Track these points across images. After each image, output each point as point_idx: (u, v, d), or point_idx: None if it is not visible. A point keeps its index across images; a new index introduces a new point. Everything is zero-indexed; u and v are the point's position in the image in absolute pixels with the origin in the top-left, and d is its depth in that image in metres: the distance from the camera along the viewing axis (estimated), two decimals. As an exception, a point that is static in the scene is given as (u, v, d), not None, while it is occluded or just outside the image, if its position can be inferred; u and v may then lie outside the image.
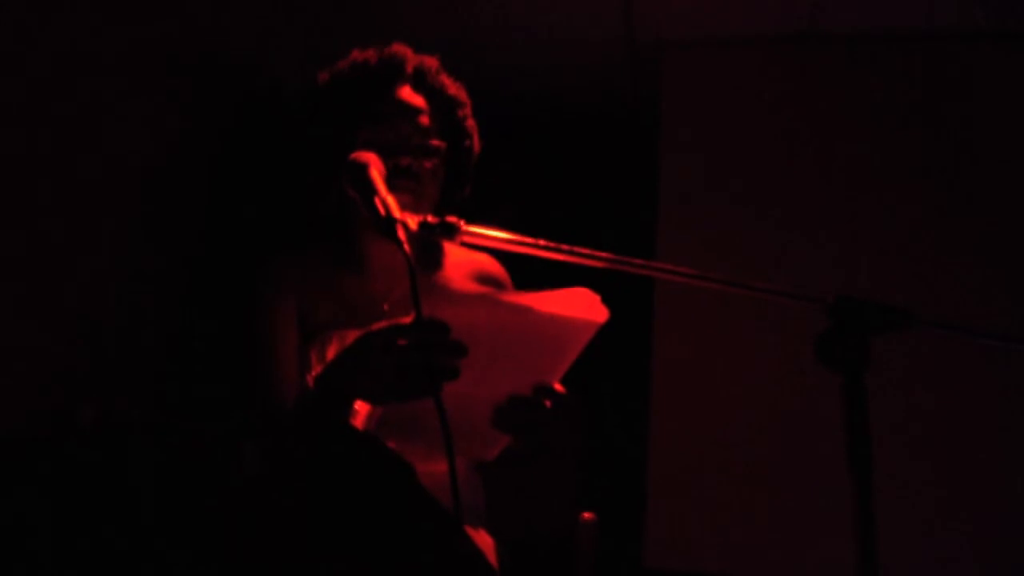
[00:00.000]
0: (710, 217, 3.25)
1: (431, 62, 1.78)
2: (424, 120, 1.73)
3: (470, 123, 1.82)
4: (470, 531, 1.54)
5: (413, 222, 1.34)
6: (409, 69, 1.76)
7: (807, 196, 3.25)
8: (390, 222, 1.32)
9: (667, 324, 3.19)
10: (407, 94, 1.74)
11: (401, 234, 1.30)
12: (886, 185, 3.23)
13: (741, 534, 3.03)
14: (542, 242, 1.37)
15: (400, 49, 1.79)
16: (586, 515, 1.85)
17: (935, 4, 3.20)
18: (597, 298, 1.42)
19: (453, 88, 1.79)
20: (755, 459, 3.03)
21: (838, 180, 3.26)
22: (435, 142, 1.72)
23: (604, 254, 1.37)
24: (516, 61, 3.38)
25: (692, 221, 3.27)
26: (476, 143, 1.83)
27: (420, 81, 1.76)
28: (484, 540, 1.59)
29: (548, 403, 1.44)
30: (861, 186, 3.24)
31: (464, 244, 1.37)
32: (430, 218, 1.35)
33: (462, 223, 1.35)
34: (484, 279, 1.81)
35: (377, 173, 1.43)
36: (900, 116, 3.27)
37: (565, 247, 1.37)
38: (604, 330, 1.52)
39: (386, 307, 1.72)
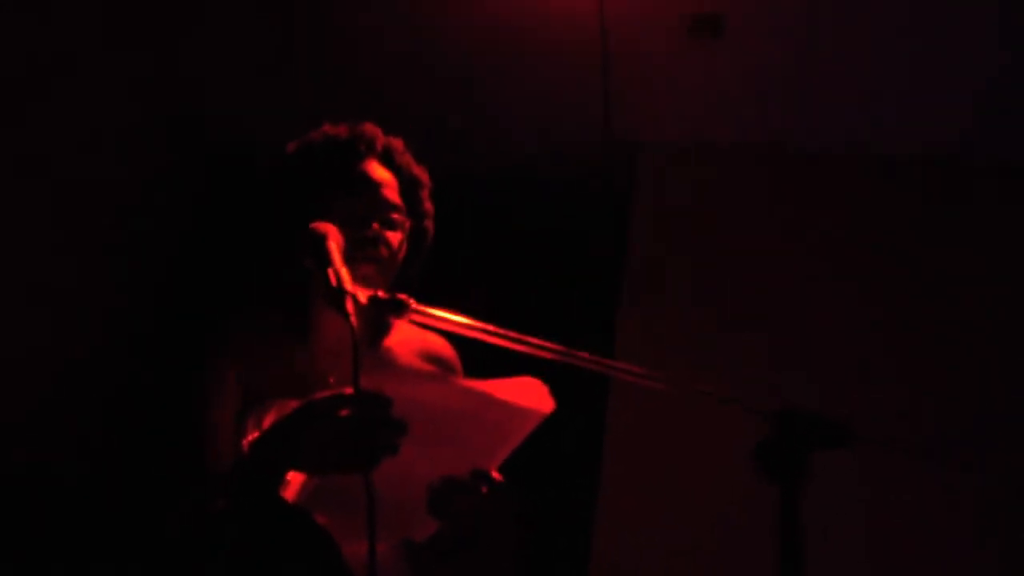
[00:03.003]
0: (671, 316, 3.28)
1: (397, 142, 1.82)
2: (392, 194, 1.75)
3: (429, 205, 1.85)
4: (393, 617, 1.50)
5: (363, 296, 1.34)
6: (378, 146, 1.80)
7: (769, 303, 3.29)
8: (340, 293, 1.31)
9: (621, 421, 3.19)
10: (375, 167, 1.77)
11: (350, 307, 1.30)
12: (848, 303, 3.28)
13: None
14: (492, 327, 1.37)
15: (370, 127, 1.83)
16: (519, 610, 1.82)
17: (903, 131, 3.31)
18: (545, 389, 1.42)
19: (416, 169, 1.83)
20: (702, 562, 2.99)
21: (801, 291, 3.30)
22: (401, 216, 1.74)
23: (553, 345, 1.37)
24: (491, 152, 3.44)
25: (653, 319, 3.29)
26: (432, 226, 1.85)
27: (388, 158, 1.80)
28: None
29: (484, 489, 1.42)
30: (823, 301, 3.29)
31: (413, 323, 1.37)
32: (381, 293, 1.35)
33: (412, 301, 1.35)
34: (433, 360, 1.80)
35: (335, 245, 1.44)
36: (864, 236, 3.34)
37: (514, 335, 1.37)
38: (558, 427, 1.51)
39: (332, 380, 1.70)
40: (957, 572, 2.94)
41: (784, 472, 1.32)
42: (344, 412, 1.31)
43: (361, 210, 1.69)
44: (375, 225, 1.68)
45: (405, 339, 1.80)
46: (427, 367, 1.76)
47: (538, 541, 3.20)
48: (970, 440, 2.95)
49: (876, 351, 3.21)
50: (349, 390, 1.31)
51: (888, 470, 2.86)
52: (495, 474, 1.44)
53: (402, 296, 1.35)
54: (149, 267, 3.11)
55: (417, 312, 1.35)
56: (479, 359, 1.67)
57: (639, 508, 3.11)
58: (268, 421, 1.57)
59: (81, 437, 2.66)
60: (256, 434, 1.46)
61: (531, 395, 1.41)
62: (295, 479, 1.39)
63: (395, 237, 1.72)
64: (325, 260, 1.38)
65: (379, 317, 1.43)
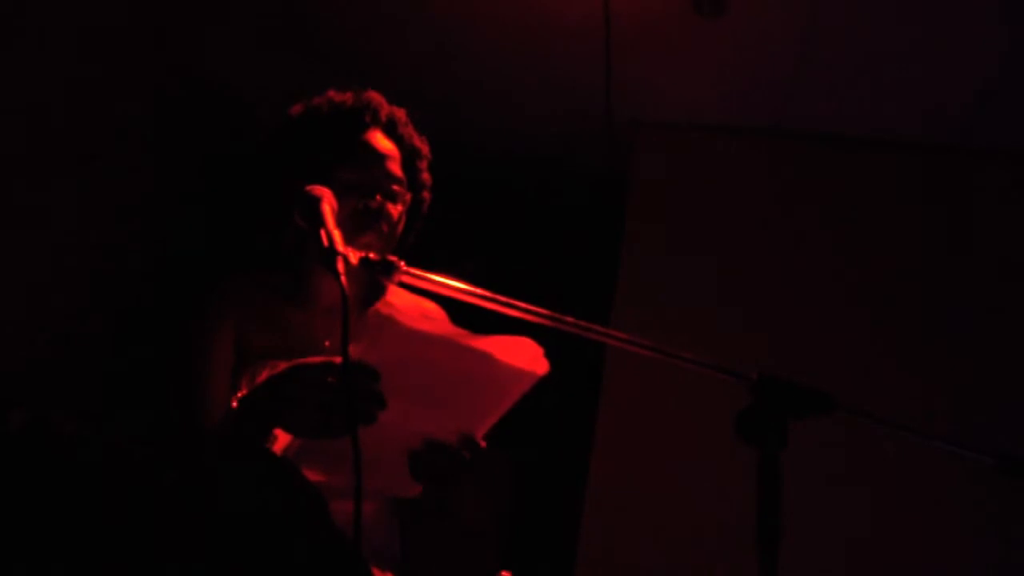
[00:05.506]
0: (667, 291, 3.31)
1: (400, 112, 1.83)
2: (394, 166, 1.77)
3: (427, 176, 1.86)
4: (379, 574, 1.53)
5: (354, 257, 1.36)
6: (383, 116, 1.81)
7: (765, 281, 3.31)
8: (331, 254, 1.33)
9: (616, 390, 3.21)
10: (379, 138, 1.79)
11: (340, 267, 1.31)
12: (845, 281, 3.29)
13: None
14: (480, 291, 1.38)
15: (375, 96, 1.84)
16: (504, 573, 1.84)
17: (905, 114, 3.32)
18: (540, 351, 1.44)
19: (417, 140, 1.84)
20: (693, 531, 3.02)
21: (797, 270, 3.32)
22: (402, 188, 1.76)
23: (543, 310, 1.39)
24: (494, 125, 3.45)
25: (649, 294, 3.32)
26: (429, 197, 1.87)
27: (391, 128, 1.81)
28: (392, 584, 1.59)
29: (467, 454, 1.45)
30: (819, 279, 3.31)
31: (402, 284, 1.38)
32: (371, 255, 1.37)
33: (402, 263, 1.36)
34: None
35: (329, 207, 1.45)
36: (862, 217, 3.36)
37: (503, 298, 1.38)
38: (552, 392, 1.53)
39: (327, 344, 1.72)
40: (944, 542, 2.99)
41: (763, 439, 1.34)
42: (331, 379, 1.33)
43: (365, 181, 1.71)
44: (378, 197, 1.70)
45: (401, 305, 1.82)
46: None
47: (528, 505, 3.23)
48: (962, 423, 2.98)
49: (872, 328, 3.23)
50: (339, 359, 1.32)
51: (872, 441, 2.90)
52: (480, 440, 1.47)
53: (392, 258, 1.36)
54: (150, 229, 3.13)
55: (407, 274, 1.36)
56: (472, 326, 1.69)
57: (632, 471, 3.14)
58: (261, 380, 1.60)
59: (80, 394, 2.69)
60: (245, 391, 1.48)
61: (527, 356, 1.43)
62: (282, 435, 1.41)
63: (396, 209, 1.74)
64: (318, 221, 1.40)
65: (372, 280, 1.44)
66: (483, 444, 1.48)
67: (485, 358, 1.40)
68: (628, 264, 3.38)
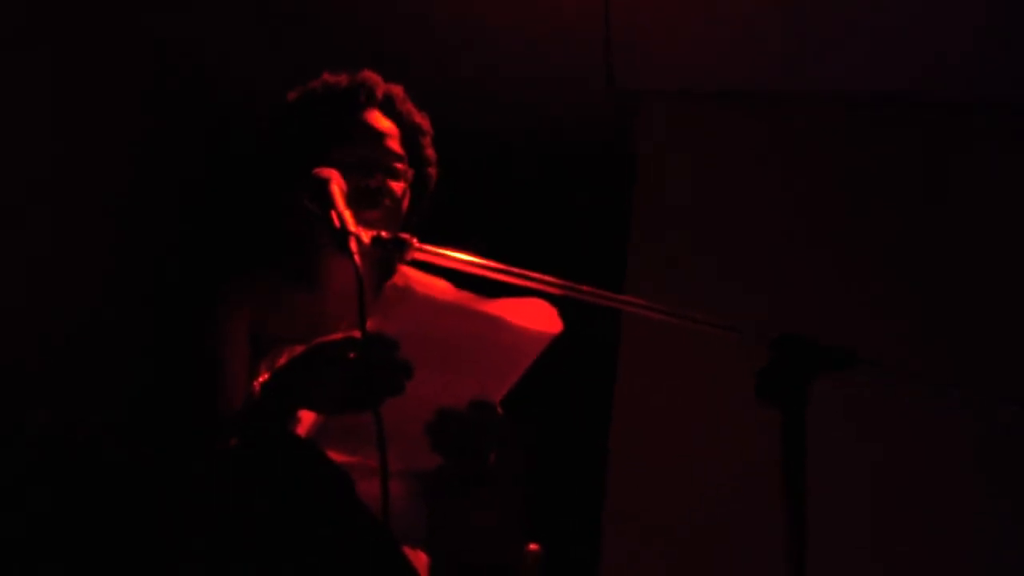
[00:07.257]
0: (679, 259, 3.30)
1: (398, 89, 1.83)
2: (394, 144, 1.78)
3: (431, 152, 1.87)
4: (408, 551, 1.54)
5: (366, 236, 1.36)
6: (379, 94, 1.81)
7: (771, 245, 3.30)
8: (344, 234, 1.34)
9: (633, 357, 3.21)
10: (377, 117, 1.79)
11: (353, 246, 1.32)
12: (849, 242, 3.28)
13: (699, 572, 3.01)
14: (494, 263, 1.39)
15: (370, 75, 1.84)
16: (532, 546, 1.85)
17: (910, 72, 3.29)
18: (554, 311, 1.45)
19: (418, 116, 1.85)
20: (717, 495, 3.02)
21: (804, 234, 3.31)
22: (403, 166, 1.76)
23: (554, 279, 1.39)
24: (494, 99, 3.44)
25: (661, 262, 3.31)
26: (435, 173, 1.87)
27: (389, 106, 1.82)
28: (420, 560, 1.59)
29: (485, 423, 1.45)
30: (824, 239, 3.30)
31: (415, 262, 1.39)
32: (383, 233, 1.37)
33: (414, 240, 1.37)
34: None
35: (337, 188, 1.46)
36: (866, 178, 3.34)
37: (516, 270, 1.39)
38: (568, 358, 1.53)
39: (344, 325, 1.73)
40: (959, 498, 2.98)
41: (784, 398, 1.35)
42: (351, 355, 1.34)
43: (364, 160, 1.71)
44: (378, 175, 1.70)
45: (415, 277, 1.83)
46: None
47: (550, 473, 3.23)
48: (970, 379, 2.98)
49: (878, 287, 3.22)
50: (357, 333, 1.33)
51: (891, 397, 2.89)
52: (497, 408, 1.47)
53: (404, 235, 1.37)
54: (160, 220, 3.14)
55: (419, 250, 1.37)
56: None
57: (653, 439, 3.13)
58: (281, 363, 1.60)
59: (99, 386, 2.71)
60: (267, 376, 1.49)
61: (539, 317, 1.44)
62: (306, 417, 1.42)
63: (398, 186, 1.75)
64: (328, 203, 1.40)
65: (385, 259, 1.45)
66: (500, 411, 1.49)
67: (498, 322, 1.41)
68: (638, 234, 3.37)
